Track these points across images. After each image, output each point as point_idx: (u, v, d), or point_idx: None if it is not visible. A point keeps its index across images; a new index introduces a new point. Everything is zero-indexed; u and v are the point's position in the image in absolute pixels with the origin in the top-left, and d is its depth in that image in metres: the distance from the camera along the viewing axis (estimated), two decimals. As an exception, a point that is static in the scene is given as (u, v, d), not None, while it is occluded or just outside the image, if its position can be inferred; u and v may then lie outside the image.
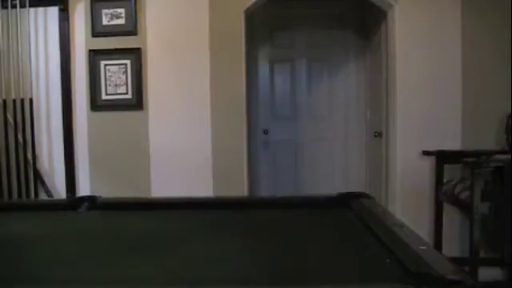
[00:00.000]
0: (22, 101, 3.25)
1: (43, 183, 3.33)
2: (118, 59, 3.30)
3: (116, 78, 3.31)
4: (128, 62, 3.30)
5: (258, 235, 1.62)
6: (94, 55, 3.31)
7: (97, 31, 3.30)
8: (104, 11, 3.29)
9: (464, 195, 2.85)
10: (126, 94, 3.32)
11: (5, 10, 3.22)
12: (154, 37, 3.32)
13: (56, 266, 1.31)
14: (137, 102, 3.31)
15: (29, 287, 1.14)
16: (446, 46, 3.30)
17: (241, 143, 3.33)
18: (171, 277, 1.20)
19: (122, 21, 3.29)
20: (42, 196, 3.30)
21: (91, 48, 3.31)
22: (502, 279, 3.10)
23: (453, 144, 3.27)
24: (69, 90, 3.32)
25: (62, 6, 3.26)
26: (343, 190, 2.13)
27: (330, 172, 4.53)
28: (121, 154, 3.31)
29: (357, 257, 1.35)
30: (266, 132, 4.62)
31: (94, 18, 3.30)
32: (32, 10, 3.28)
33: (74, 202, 2.15)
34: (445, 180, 3.20)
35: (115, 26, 3.30)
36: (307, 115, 4.64)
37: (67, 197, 3.22)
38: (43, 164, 3.37)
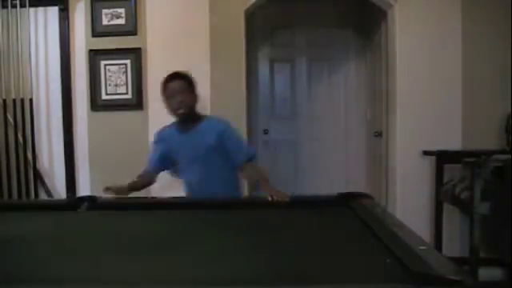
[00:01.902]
0: (22, 101, 3.25)
1: (43, 183, 3.33)
2: (118, 59, 3.30)
3: (116, 77, 3.31)
4: (128, 61, 3.30)
5: (257, 235, 1.62)
6: (94, 55, 3.31)
7: (97, 31, 3.30)
8: (104, 11, 3.29)
9: (464, 195, 2.85)
10: (126, 93, 3.32)
11: (5, 10, 3.22)
12: (154, 37, 3.32)
13: (56, 266, 1.31)
14: (137, 102, 3.31)
15: (29, 287, 1.14)
16: (446, 46, 3.30)
17: (241, 143, 3.33)
18: (171, 276, 1.20)
19: (122, 21, 3.29)
20: (42, 196, 3.30)
21: (91, 48, 3.31)
22: (501, 279, 3.10)
23: (453, 144, 3.27)
24: (69, 89, 3.32)
25: (62, 6, 3.25)
26: (343, 190, 2.14)
27: (330, 172, 4.53)
28: (121, 154, 3.30)
29: (357, 257, 1.35)
30: (266, 132, 4.62)
31: (94, 17, 3.29)
32: (32, 9, 3.28)
33: (73, 202, 2.16)
34: (445, 180, 3.20)
35: (115, 26, 3.29)
36: (307, 115, 4.64)
37: (67, 197, 3.22)
38: (43, 164, 3.37)
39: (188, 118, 2.46)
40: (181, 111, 2.42)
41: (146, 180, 2.58)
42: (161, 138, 2.60)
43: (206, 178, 2.47)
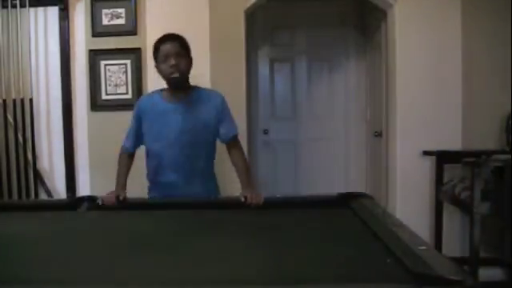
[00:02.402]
0: (22, 101, 3.25)
1: (43, 183, 3.33)
2: (118, 59, 3.30)
3: (116, 78, 3.31)
4: (128, 61, 3.30)
5: (257, 235, 1.62)
6: (94, 55, 3.31)
7: (97, 31, 3.30)
8: (104, 11, 3.29)
9: (464, 195, 2.85)
10: (126, 93, 3.32)
11: (5, 10, 3.22)
12: (154, 37, 3.28)
13: (55, 266, 1.31)
14: (137, 102, 3.31)
15: (28, 287, 1.14)
16: (446, 46, 3.30)
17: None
18: (171, 277, 1.20)
19: (122, 21, 3.29)
20: (42, 196, 3.30)
21: (91, 48, 3.31)
22: (501, 279, 3.10)
23: (453, 144, 3.27)
24: (69, 90, 3.32)
25: (62, 6, 3.25)
26: (343, 190, 2.14)
27: (330, 172, 4.53)
28: (121, 153, 3.30)
29: (357, 257, 1.35)
30: (266, 132, 4.62)
31: (94, 17, 3.29)
32: (32, 9, 3.28)
33: (73, 202, 2.16)
34: (445, 180, 3.20)
35: (115, 26, 3.29)
36: (307, 115, 4.64)
37: (67, 197, 3.22)
38: (43, 164, 3.37)
39: (181, 84, 2.31)
40: (175, 75, 2.25)
41: (129, 163, 2.46)
42: (142, 110, 2.39)
43: (193, 157, 2.35)
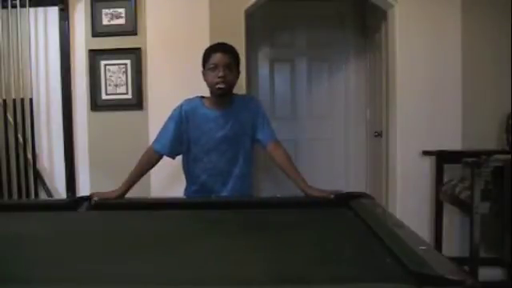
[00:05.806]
0: (22, 101, 3.25)
1: (43, 183, 3.33)
2: (118, 59, 3.30)
3: (116, 77, 3.31)
4: (128, 61, 3.30)
5: (257, 235, 1.62)
6: (94, 55, 3.30)
7: (97, 31, 3.30)
8: (104, 11, 3.29)
9: (464, 195, 2.85)
10: (126, 93, 3.32)
11: (5, 10, 3.22)
12: (154, 37, 3.31)
13: (55, 266, 1.31)
14: (137, 102, 3.30)
15: (28, 287, 1.14)
16: (446, 46, 3.30)
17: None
18: (171, 277, 1.20)
19: (122, 21, 3.29)
20: (42, 196, 3.30)
21: (91, 48, 3.31)
22: (501, 279, 3.10)
23: (453, 144, 3.27)
24: (69, 89, 3.32)
25: (62, 6, 3.25)
26: (343, 190, 2.14)
27: (330, 172, 4.53)
28: (121, 153, 3.30)
29: (357, 257, 1.35)
30: (265, 132, 4.61)
31: (94, 17, 3.29)
32: (32, 9, 3.28)
33: (73, 202, 2.16)
34: (445, 180, 3.20)
35: (115, 26, 3.29)
36: (307, 115, 4.64)
37: (67, 197, 3.22)
38: (43, 164, 3.37)
39: (225, 96, 2.31)
40: (221, 86, 2.25)
41: (149, 165, 2.38)
42: (185, 113, 2.34)
43: (230, 161, 2.37)
